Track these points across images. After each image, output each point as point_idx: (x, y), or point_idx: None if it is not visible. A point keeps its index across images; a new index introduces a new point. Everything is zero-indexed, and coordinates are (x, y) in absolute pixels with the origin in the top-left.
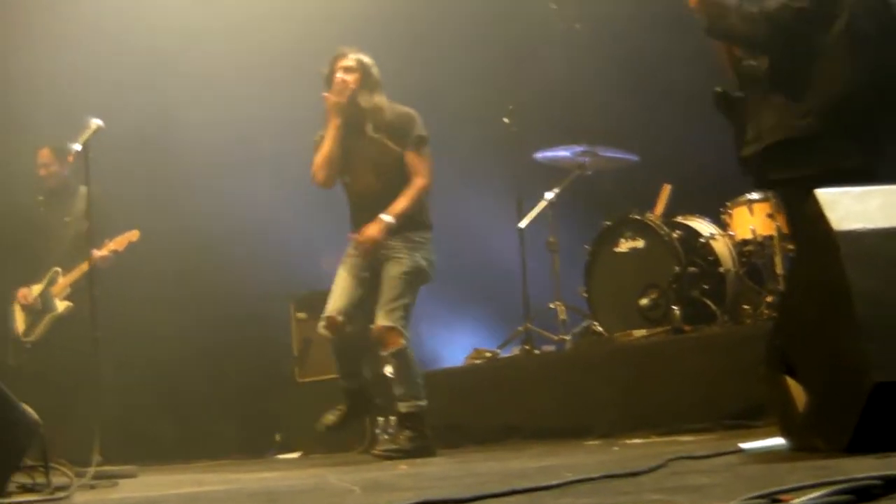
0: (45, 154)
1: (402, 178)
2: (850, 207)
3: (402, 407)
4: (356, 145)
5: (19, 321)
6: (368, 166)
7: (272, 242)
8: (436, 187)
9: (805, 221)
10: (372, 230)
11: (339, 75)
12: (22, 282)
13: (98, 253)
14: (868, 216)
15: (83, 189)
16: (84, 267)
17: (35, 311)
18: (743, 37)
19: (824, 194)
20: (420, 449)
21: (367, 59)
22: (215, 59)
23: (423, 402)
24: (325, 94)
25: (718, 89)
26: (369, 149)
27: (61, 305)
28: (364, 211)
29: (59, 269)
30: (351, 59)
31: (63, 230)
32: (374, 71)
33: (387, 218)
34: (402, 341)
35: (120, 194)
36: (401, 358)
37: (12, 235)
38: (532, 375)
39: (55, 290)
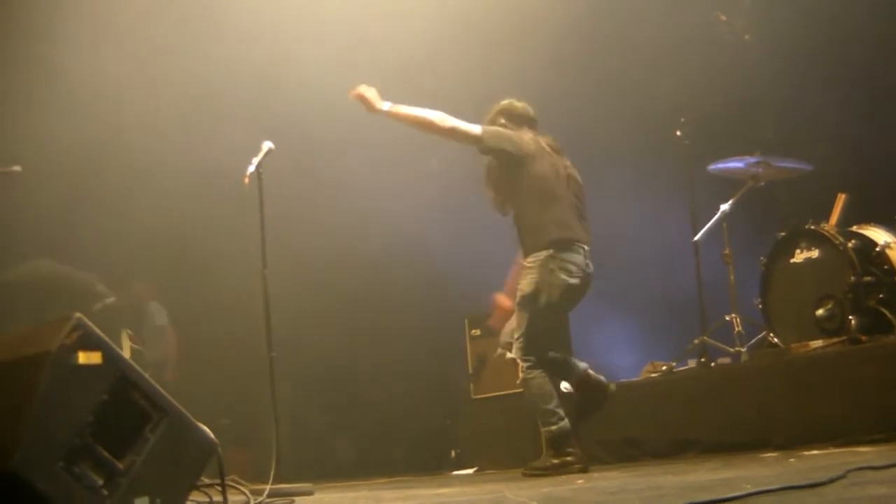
0: None
1: (516, 192)
2: None
3: (542, 431)
4: None
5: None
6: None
7: (447, 260)
8: (611, 202)
9: None
10: None
11: None
12: None
13: None
14: None
15: None
16: None
17: None
18: None
19: None
20: (559, 468)
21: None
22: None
23: (556, 426)
24: None
25: None
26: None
27: None
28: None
29: None
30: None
31: None
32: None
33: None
34: (521, 374)
35: (291, 214)
36: (526, 387)
37: None
38: (708, 388)
39: None
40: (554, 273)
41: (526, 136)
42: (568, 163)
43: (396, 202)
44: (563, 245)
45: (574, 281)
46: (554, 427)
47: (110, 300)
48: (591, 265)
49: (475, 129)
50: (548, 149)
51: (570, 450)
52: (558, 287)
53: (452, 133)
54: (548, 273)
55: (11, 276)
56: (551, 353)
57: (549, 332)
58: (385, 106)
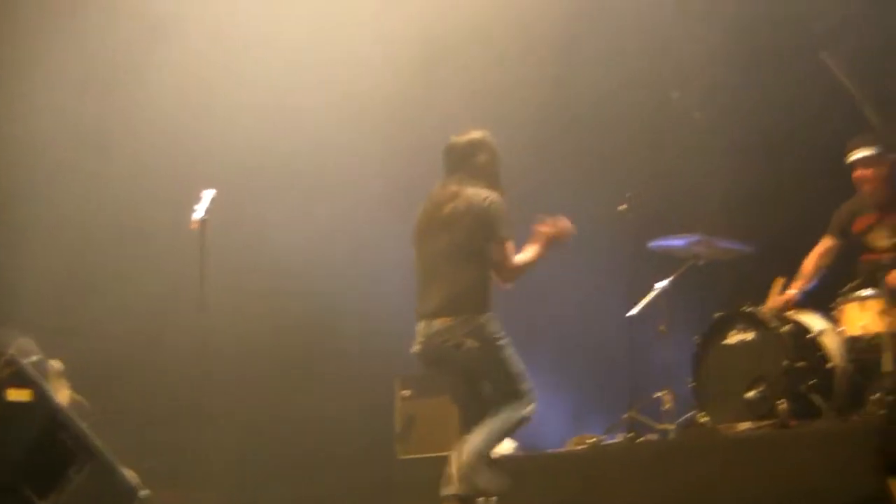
0: None
1: None
2: None
3: None
4: None
5: None
6: None
7: (382, 318)
8: (548, 272)
9: None
10: None
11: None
12: None
13: None
14: None
15: None
16: None
17: None
18: None
19: None
20: None
21: None
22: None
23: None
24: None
25: None
26: None
27: None
28: None
29: None
30: None
31: None
32: None
33: None
34: None
35: (227, 262)
36: None
37: None
38: (634, 464)
39: None
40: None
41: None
42: (447, 208)
43: (334, 257)
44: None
45: (414, 349)
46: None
47: (32, 359)
48: (431, 327)
49: None
50: (431, 206)
51: None
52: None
53: None
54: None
55: None
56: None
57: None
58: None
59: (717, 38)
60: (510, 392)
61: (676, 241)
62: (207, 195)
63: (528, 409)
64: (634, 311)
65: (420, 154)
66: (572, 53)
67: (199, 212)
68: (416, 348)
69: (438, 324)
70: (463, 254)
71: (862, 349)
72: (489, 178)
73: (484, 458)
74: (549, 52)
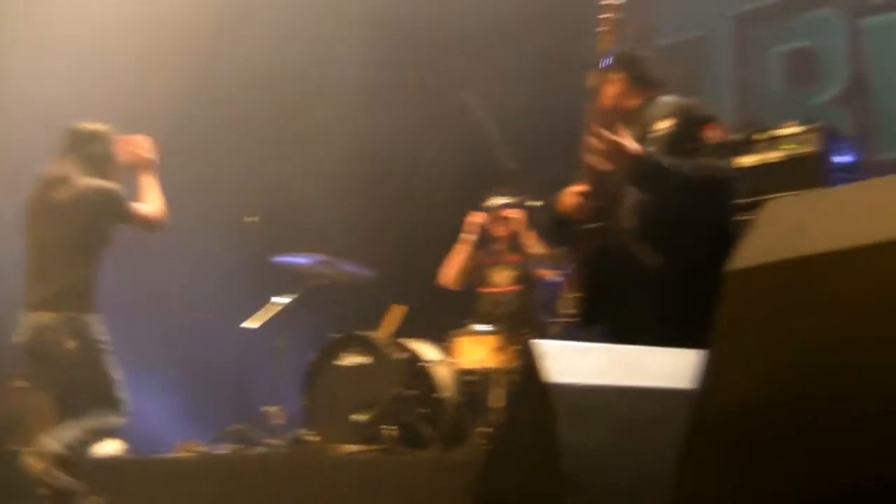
0: None
1: None
2: (566, 361)
3: None
4: None
5: None
6: None
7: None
8: (168, 278)
9: (523, 368)
10: None
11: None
12: None
13: None
14: (583, 372)
15: None
16: None
17: None
18: None
19: (543, 345)
20: None
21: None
22: None
23: None
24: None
25: None
26: None
27: None
28: None
29: None
30: None
31: None
32: None
33: None
34: None
35: None
36: None
37: None
38: (239, 475)
39: None
40: None
41: None
42: (58, 194)
43: None
44: None
45: (17, 339)
46: None
47: None
48: (34, 320)
49: None
50: (41, 188)
51: None
52: None
53: None
54: None
55: None
56: None
57: None
58: None
59: (356, 60)
60: (102, 399)
61: (300, 259)
62: None
63: (115, 420)
64: (250, 323)
65: (31, 134)
66: (208, 53)
67: None
68: (18, 339)
69: (41, 318)
70: (72, 248)
71: (472, 382)
72: (102, 170)
73: (56, 458)
74: (189, 46)
